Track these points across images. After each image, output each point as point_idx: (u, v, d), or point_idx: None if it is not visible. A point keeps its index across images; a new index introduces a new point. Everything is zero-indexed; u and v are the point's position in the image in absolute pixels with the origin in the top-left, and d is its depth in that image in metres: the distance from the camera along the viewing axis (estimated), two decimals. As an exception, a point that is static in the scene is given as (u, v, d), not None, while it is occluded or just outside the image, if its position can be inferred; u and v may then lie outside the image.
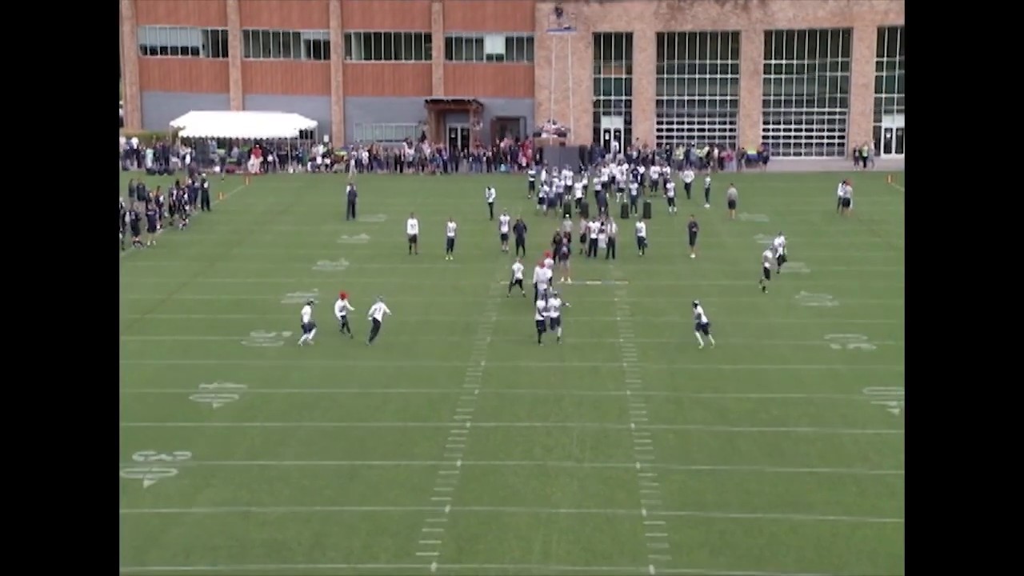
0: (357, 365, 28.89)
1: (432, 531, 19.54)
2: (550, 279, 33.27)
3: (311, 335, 29.98)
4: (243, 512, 20.35)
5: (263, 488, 21.48)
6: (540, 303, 30.44)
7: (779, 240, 37.03)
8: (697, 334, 29.77)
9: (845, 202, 48.34)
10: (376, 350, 30.15)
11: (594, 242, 40.80)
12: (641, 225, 41.63)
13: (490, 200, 45.53)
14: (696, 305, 30.16)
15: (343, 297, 30.87)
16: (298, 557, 18.70)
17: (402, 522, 19.89)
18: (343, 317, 30.59)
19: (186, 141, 62.52)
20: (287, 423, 24.90)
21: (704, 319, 29.74)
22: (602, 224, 41.25)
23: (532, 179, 51.68)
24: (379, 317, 30.22)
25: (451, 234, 40.73)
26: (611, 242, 40.60)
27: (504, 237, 41.53)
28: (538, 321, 30.23)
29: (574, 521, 19.90)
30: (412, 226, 41.17)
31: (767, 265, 35.89)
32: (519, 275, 34.48)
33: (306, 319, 30.01)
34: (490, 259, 40.32)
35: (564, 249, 37.82)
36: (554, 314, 30.10)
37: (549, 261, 34.18)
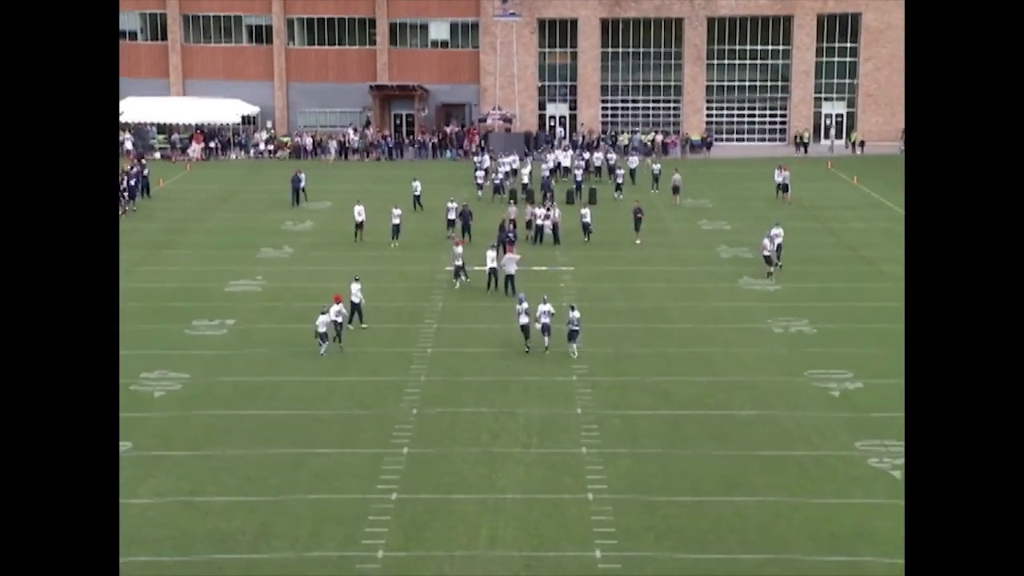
0: (302, 352, 28.70)
1: (379, 519, 19.54)
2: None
3: (325, 346, 27.87)
4: (186, 502, 20.28)
5: (207, 478, 21.31)
6: (522, 306, 28.20)
7: (776, 231, 36.79)
8: (570, 345, 27.97)
9: (784, 187, 48.78)
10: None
11: (540, 228, 40.79)
12: (586, 211, 41.70)
13: (416, 193, 44.91)
14: (572, 308, 28.11)
15: (338, 301, 28.58)
16: (243, 547, 18.61)
17: (348, 510, 19.86)
18: (338, 323, 28.22)
19: (125, 127, 61.46)
20: (231, 412, 24.74)
21: (548, 319, 27.90)
22: (547, 210, 41.23)
23: (478, 166, 51.51)
24: (357, 300, 30.05)
25: (396, 221, 40.54)
26: (556, 228, 40.60)
27: (451, 224, 41.40)
28: (523, 326, 28.14)
29: (521, 507, 19.99)
30: (359, 213, 40.96)
31: (766, 254, 35.55)
32: (459, 261, 34.19)
33: (322, 328, 27.77)
34: (436, 246, 40.12)
35: (510, 235, 37.79)
36: (547, 320, 27.88)
37: (515, 255, 34.14)
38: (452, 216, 41.27)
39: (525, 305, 28.30)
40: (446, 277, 35.69)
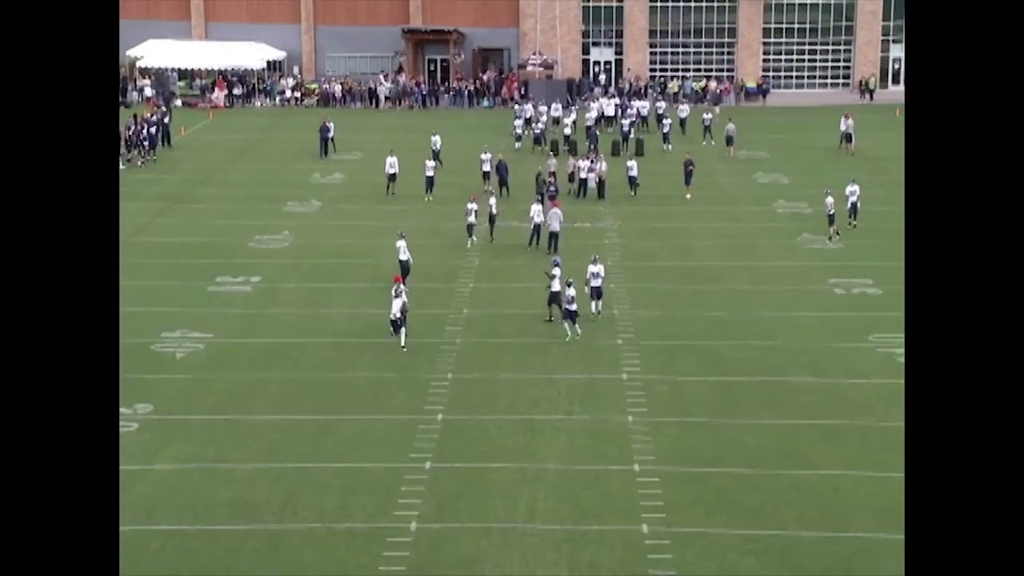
0: (330, 313, 28.83)
1: (411, 489, 19.59)
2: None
3: (403, 335, 25.88)
4: (209, 469, 20.39)
5: (230, 444, 21.46)
6: (555, 271, 27.43)
7: (852, 188, 36.07)
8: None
9: (847, 137, 48.18)
10: (350, 297, 30.07)
11: (583, 182, 40.59)
12: (633, 163, 41.45)
13: (436, 148, 44.27)
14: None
15: (397, 282, 26.85)
16: (268, 517, 18.73)
17: (379, 480, 19.93)
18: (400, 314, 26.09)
19: (144, 72, 61.67)
20: (256, 375, 24.88)
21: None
22: (591, 162, 40.99)
23: (518, 115, 51.19)
24: (404, 258, 29.96)
25: (430, 173, 40.49)
26: (601, 182, 40.41)
27: (486, 176, 41.26)
28: (553, 293, 27.28)
29: (562, 478, 19.96)
30: (391, 165, 40.85)
31: (831, 212, 34.73)
32: (472, 217, 34.01)
33: (397, 313, 25.88)
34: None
35: (551, 189, 37.59)
36: (597, 282, 27.39)
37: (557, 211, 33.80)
38: (487, 168, 41.12)
39: (558, 271, 27.96)
40: (482, 233, 35.59)
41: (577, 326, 26.36)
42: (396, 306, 25.90)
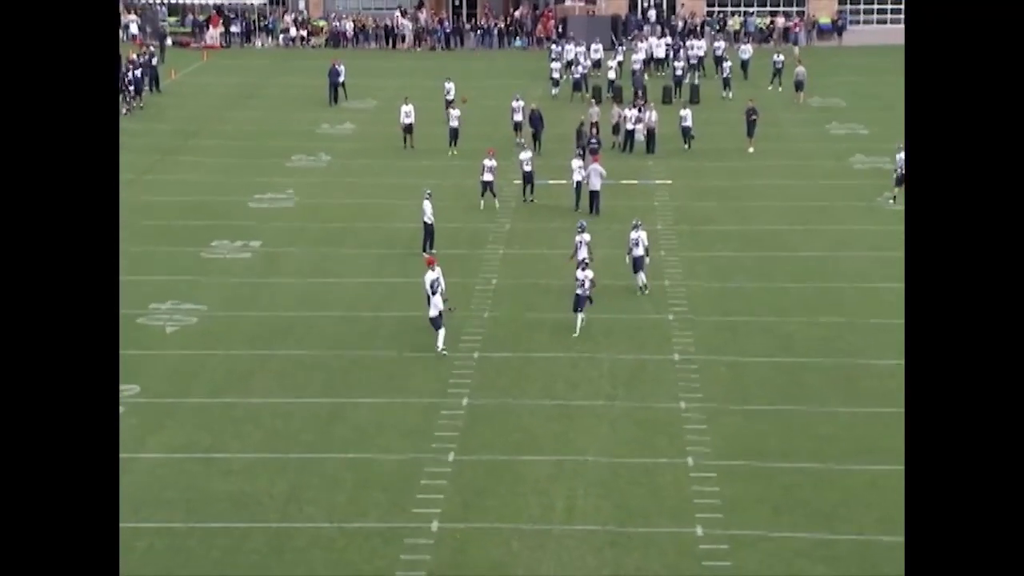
0: (341, 283, 29.03)
1: (432, 483, 19.76)
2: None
3: (440, 336, 24.56)
4: (203, 459, 20.62)
5: (227, 430, 21.67)
6: (582, 236, 27.36)
7: None
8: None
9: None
10: (363, 265, 30.31)
11: (630, 133, 40.63)
12: (687, 112, 41.36)
13: (449, 97, 44.30)
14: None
15: (431, 264, 25.53)
16: (270, 513, 18.87)
17: (396, 473, 20.09)
18: (441, 306, 24.80)
19: (130, 7, 61.81)
20: (257, 352, 25.09)
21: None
22: (639, 111, 40.91)
23: (556, 57, 50.98)
24: (430, 221, 30.07)
25: (455, 124, 40.55)
26: (650, 133, 40.37)
27: (517, 127, 41.33)
28: (582, 262, 26.85)
29: (605, 472, 20.09)
30: (407, 114, 40.97)
31: (900, 170, 34.49)
32: (489, 175, 34.16)
33: (434, 311, 24.59)
34: (502, 154, 39.93)
35: (592, 142, 37.55)
36: (640, 251, 26.97)
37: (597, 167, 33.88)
38: (518, 118, 41.22)
39: (586, 236, 27.87)
40: (514, 193, 35.71)
41: (583, 316, 25.45)
42: (436, 303, 24.50)
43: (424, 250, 30.24)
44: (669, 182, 37.24)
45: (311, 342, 25.48)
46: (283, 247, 31.73)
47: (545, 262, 30.08)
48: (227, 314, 27.11)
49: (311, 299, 27.97)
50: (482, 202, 34.49)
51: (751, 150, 40.45)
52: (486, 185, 34.26)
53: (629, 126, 40.61)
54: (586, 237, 27.81)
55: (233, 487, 19.51)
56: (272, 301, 27.92)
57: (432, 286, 24.71)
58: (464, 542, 18.01)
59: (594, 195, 33.51)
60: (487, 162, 34.33)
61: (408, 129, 40.93)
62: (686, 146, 40.70)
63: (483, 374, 23.83)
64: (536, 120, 40.28)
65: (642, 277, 27.69)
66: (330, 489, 19.51)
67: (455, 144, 40.58)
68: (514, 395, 22.92)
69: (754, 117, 40.71)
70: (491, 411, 22.25)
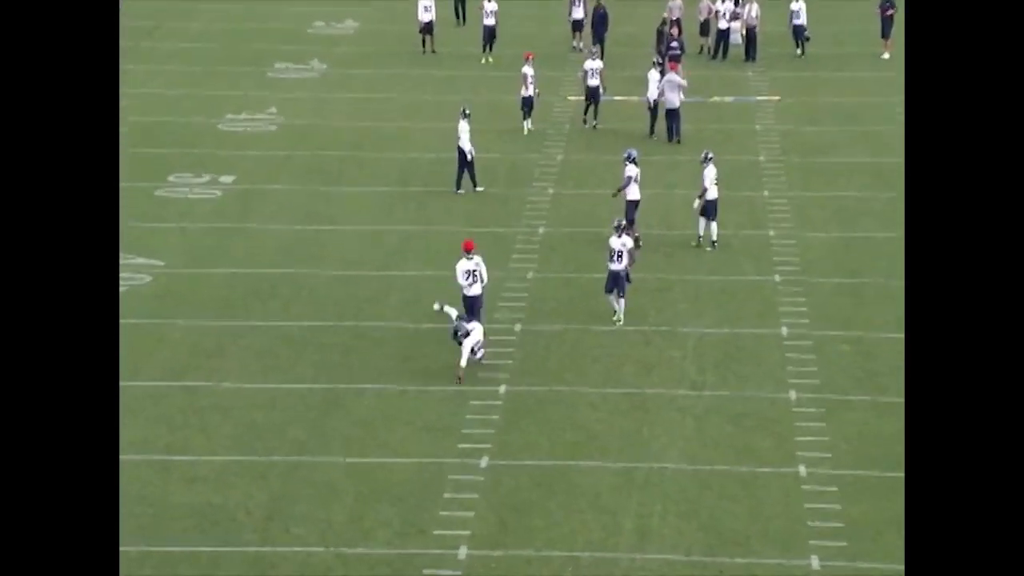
0: (338, 232, 28.96)
1: (458, 497, 19.28)
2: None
3: (473, 347, 22.75)
4: (160, 462, 20.38)
5: (192, 424, 21.39)
6: (630, 169, 27.17)
7: None
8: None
9: None
10: (368, 208, 30.15)
11: (723, 34, 40.48)
12: (800, 6, 40.83)
13: None
14: (618, 229, 24.58)
15: (469, 250, 23.65)
16: (247, 534, 18.48)
17: (411, 482, 19.66)
18: (470, 296, 23.55)
19: None
20: (228, 322, 24.91)
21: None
22: (736, 4, 40.66)
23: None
24: (468, 149, 30.25)
25: (490, 21, 40.43)
26: (751, 33, 40.15)
27: (576, 26, 41.07)
28: (631, 202, 26.88)
29: (688, 484, 19.66)
30: (426, 8, 40.71)
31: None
32: (530, 90, 34.04)
33: (454, 315, 23.09)
34: (554, 61, 39.71)
35: (673, 46, 37.05)
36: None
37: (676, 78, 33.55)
38: (578, 15, 41.12)
39: (635, 170, 27.49)
40: (570, 111, 35.42)
41: (623, 302, 24.50)
42: (453, 312, 22.98)
43: (456, 188, 30.23)
44: (775, 98, 36.96)
45: (300, 309, 25.23)
46: (263, 183, 31.44)
47: (607, 206, 28.88)
48: (190, 272, 26.96)
49: (299, 253, 27.70)
50: (525, 125, 34.14)
51: (886, 55, 39.92)
52: (527, 103, 34.11)
53: (723, 24, 40.40)
54: (634, 172, 27.33)
55: (199, 499, 19.30)
56: (248, 255, 27.66)
57: (468, 281, 23.27)
58: (500, 574, 17.69)
59: (673, 115, 33.18)
60: (526, 70, 34.13)
61: (428, 28, 40.65)
62: (798, 51, 40.52)
63: (526, 351, 23.51)
64: (601, 18, 39.95)
65: (714, 228, 27.46)
66: (326, 502, 19.18)
67: (490, 48, 40.43)
68: (567, 381, 22.67)
69: (891, 11, 40.12)
70: (537, 401, 22.01)
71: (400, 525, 18.54)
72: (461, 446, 20.56)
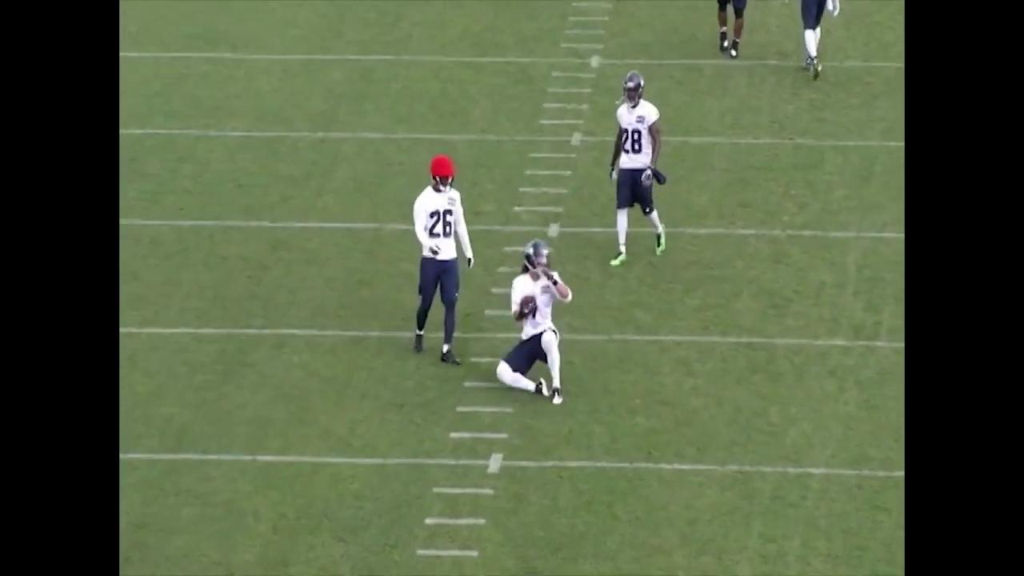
0: (297, 153, 26.68)
1: (459, 522, 17.22)
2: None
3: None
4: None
5: (129, 419, 19.49)
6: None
7: None
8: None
9: None
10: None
11: None
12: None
13: None
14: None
15: (444, 176, 19.84)
16: (199, 561, 17.13)
17: (401, 491, 17.75)
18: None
19: None
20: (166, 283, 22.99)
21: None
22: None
23: None
24: None
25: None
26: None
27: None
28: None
29: (832, 507, 17.57)
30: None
31: None
32: None
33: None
34: None
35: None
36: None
37: None
38: None
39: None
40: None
41: (655, 217, 21.99)
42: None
43: None
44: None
45: (252, 279, 22.72)
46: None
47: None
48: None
49: (243, 198, 25.22)
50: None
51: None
52: None
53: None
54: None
55: (137, 516, 17.67)
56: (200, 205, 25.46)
57: (436, 232, 19.42)
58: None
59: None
60: None
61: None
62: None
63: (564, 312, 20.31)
64: None
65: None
66: (295, 519, 17.58)
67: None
68: (623, 329, 20.41)
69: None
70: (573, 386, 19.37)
71: (378, 547, 16.81)
72: (469, 443, 18.40)
